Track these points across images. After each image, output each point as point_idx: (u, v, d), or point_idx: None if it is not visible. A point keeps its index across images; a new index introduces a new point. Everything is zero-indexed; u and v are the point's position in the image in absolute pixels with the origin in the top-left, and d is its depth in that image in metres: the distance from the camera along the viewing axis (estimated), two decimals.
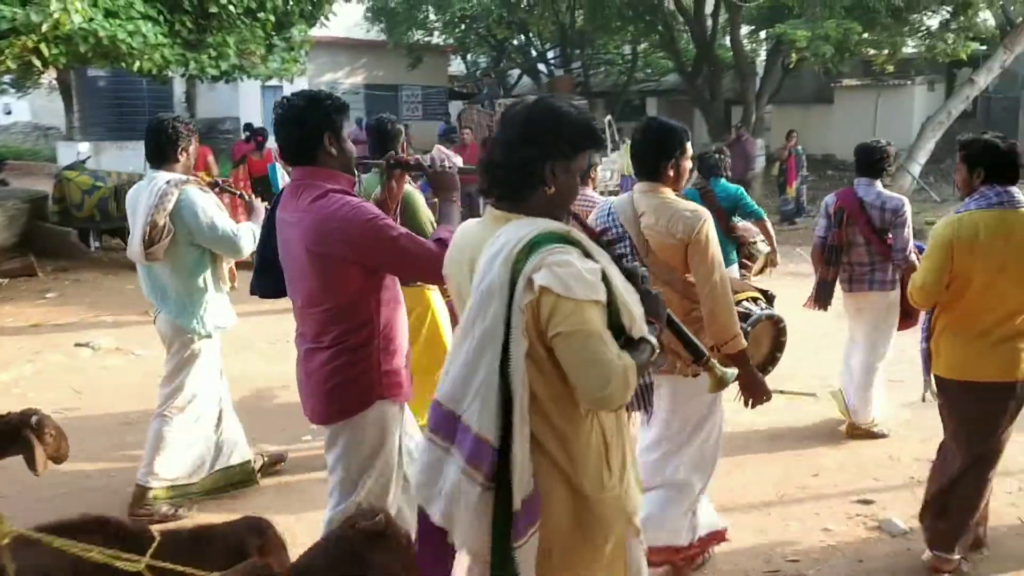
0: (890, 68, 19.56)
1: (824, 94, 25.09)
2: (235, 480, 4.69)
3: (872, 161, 5.28)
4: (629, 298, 2.15)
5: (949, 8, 16.45)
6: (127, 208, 4.42)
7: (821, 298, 5.45)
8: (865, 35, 15.99)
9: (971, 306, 3.63)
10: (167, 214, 4.17)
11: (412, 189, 4.67)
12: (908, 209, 5.23)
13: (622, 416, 2.29)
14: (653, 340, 2.16)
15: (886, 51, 17.43)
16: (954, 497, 3.79)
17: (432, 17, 19.16)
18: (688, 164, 3.47)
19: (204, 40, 10.17)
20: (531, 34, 23.55)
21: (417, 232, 3.15)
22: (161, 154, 4.30)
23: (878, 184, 5.30)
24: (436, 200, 3.18)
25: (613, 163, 17.08)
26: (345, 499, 3.01)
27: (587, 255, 2.08)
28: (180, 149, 4.31)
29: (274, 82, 13.00)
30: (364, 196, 3.28)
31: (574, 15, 20.91)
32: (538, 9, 18.80)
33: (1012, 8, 17.98)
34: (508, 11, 17.87)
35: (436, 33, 21.84)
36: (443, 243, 2.69)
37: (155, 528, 2.49)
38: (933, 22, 17.37)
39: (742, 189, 6.50)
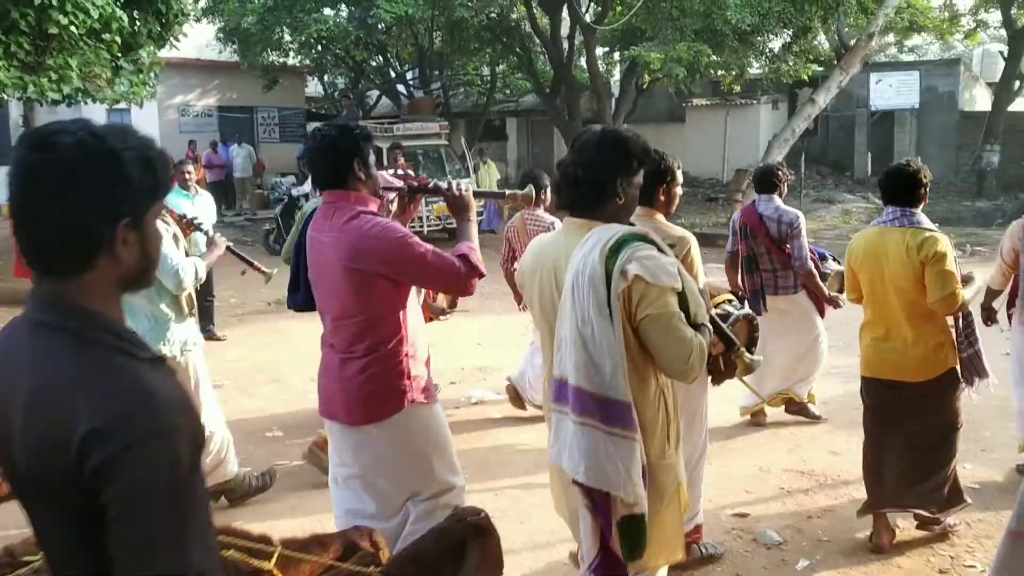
0: (737, 88, 20.45)
1: (676, 113, 25.98)
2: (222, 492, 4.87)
3: (768, 179, 5.87)
4: (695, 287, 2.59)
5: (790, 32, 17.31)
6: None
7: (753, 305, 5.70)
8: (714, 57, 16.64)
9: (869, 311, 4.23)
10: None
11: None
12: (803, 222, 5.77)
13: (678, 400, 2.70)
14: (710, 327, 2.63)
15: (734, 72, 18.21)
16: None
17: (287, 38, 18.73)
18: (679, 191, 3.72)
19: (43, 62, 9.58)
20: (389, 55, 23.42)
21: None
22: None
23: (776, 199, 5.82)
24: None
25: (471, 183, 17.13)
26: (384, 499, 3.25)
27: (662, 251, 2.53)
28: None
29: (122, 105, 12.36)
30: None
31: (432, 37, 20.91)
32: (395, 30, 18.69)
33: (846, 32, 19.12)
34: (366, 33, 17.67)
35: (292, 54, 21.42)
36: (465, 258, 3.15)
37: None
38: (776, 45, 18.27)
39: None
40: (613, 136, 2.66)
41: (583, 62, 19.63)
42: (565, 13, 18.86)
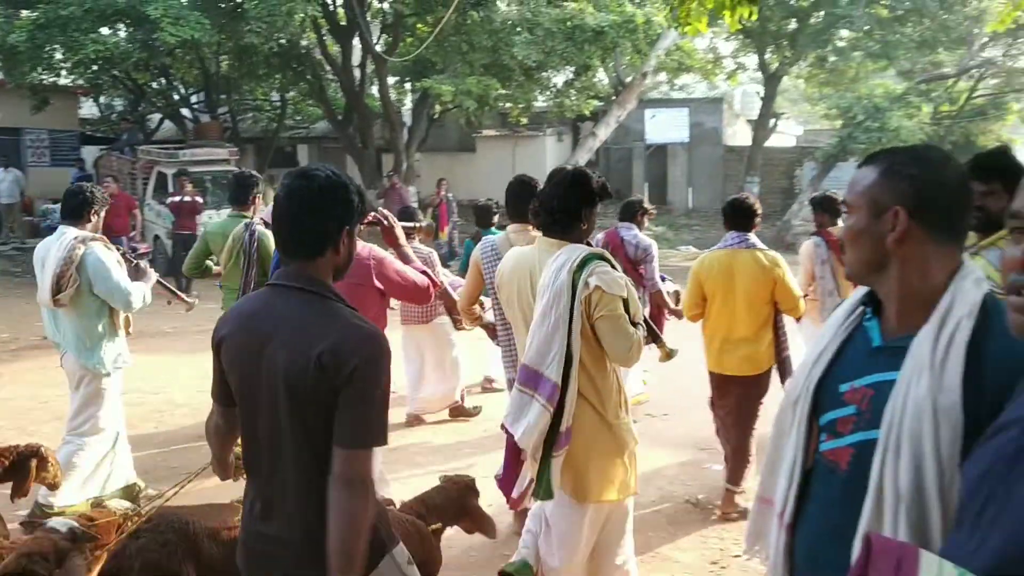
0: (524, 120, 21.29)
1: (467, 143, 26.63)
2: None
3: (632, 211, 6.84)
4: (635, 295, 3.36)
5: (572, 69, 18.29)
6: (35, 259, 5.08)
7: None
8: (502, 91, 17.30)
9: (716, 319, 5.04)
10: (74, 266, 4.77)
11: (267, 231, 5.45)
12: (655, 249, 6.71)
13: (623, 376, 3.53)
14: (643, 326, 3.43)
15: (521, 105, 18.97)
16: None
17: (59, 56, 17.63)
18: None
19: None
20: (173, 78, 22.56)
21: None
22: (76, 213, 4.95)
23: (635, 228, 6.74)
24: None
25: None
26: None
27: (614, 267, 3.31)
28: (93, 211, 4.97)
29: None
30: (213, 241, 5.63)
31: (219, 61, 20.37)
32: (180, 53, 18.07)
33: (623, 70, 20.41)
34: (148, 55, 16.97)
35: (64, 73, 20.20)
36: (427, 275, 4.02)
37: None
38: (559, 81, 19.21)
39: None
40: (581, 175, 3.44)
41: (375, 90, 19.78)
42: (357, 41, 18.99)
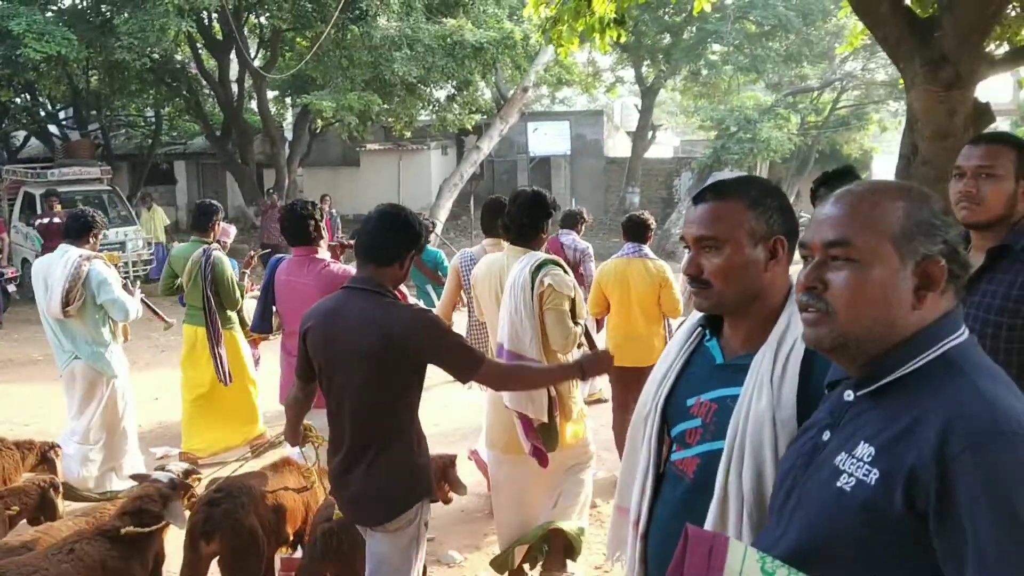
0: (408, 134, 21.28)
1: (351, 157, 26.43)
2: None
3: (573, 220, 7.64)
4: (581, 297, 4.04)
5: (453, 84, 18.40)
6: (34, 275, 5.80)
7: None
8: (384, 106, 17.25)
9: (615, 318, 5.85)
10: (80, 281, 5.49)
11: (222, 255, 6.32)
12: (591, 251, 7.57)
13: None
14: (584, 325, 4.16)
15: (403, 120, 18.97)
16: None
17: None
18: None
19: None
20: (39, 94, 21.60)
21: (227, 287, 6.18)
22: (78, 234, 5.66)
23: (574, 234, 7.53)
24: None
25: (138, 230, 16.33)
26: None
27: (565, 272, 4.00)
28: (93, 233, 5.71)
29: None
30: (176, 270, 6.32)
31: (88, 77, 19.62)
32: (46, 68, 17.32)
33: (504, 84, 20.65)
34: (12, 71, 16.21)
35: None
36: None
37: None
38: (442, 95, 19.29)
39: (440, 252, 8.16)
40: (540, 196, 4.15)
41: (254, 105, 19.43)
42: (234, 56, 18.63)
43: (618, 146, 29.17)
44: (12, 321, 12.94)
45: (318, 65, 17.00)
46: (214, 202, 6.67)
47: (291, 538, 3.98)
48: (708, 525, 1.78)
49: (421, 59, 16.20)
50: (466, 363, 3.02)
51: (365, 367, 2.93)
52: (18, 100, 21.88)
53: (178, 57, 19.00)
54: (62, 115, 23.40)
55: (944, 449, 1.26)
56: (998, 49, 5.47)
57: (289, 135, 21.02)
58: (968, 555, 1.22)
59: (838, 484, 1.37)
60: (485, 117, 20.77)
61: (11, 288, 14.96)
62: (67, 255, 5.54)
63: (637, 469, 2.04)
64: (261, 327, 5.23)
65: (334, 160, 26.72)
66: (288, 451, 4.34)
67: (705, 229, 1.86)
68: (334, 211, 17.37)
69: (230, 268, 6.29)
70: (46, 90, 20.12)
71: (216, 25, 18.65)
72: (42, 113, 22.42)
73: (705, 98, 26.77)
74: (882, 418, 1.38)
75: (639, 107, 26.54)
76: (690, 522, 1.42)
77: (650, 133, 26.59)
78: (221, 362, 6.22)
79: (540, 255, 4.03)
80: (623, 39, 6.36)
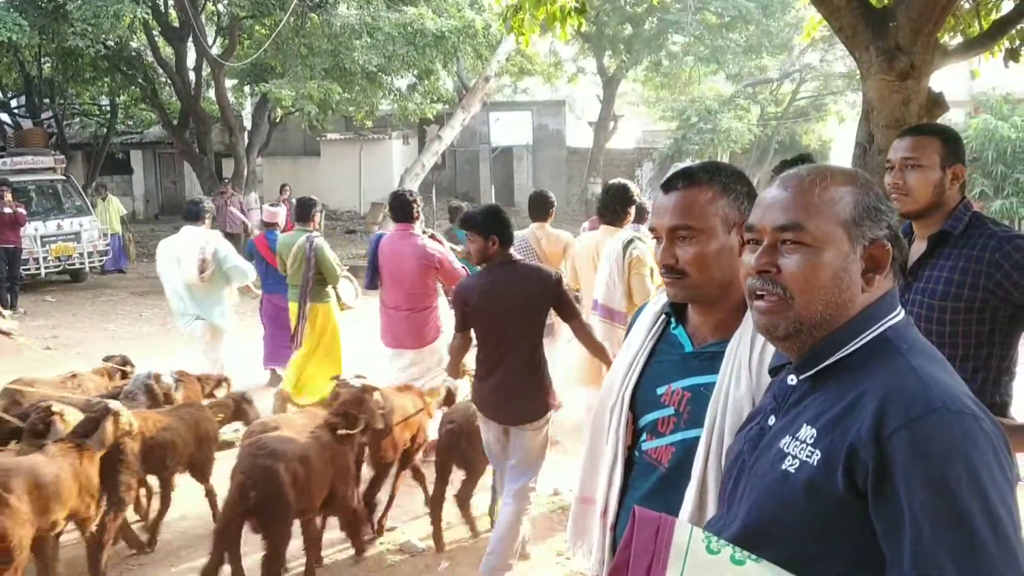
0: (369, 124, 21.12)
1: (311, 147, 26.23)
2: None
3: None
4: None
5: (414, 73, 18.28)
6: (162, 252, 7.31)
7: None
8: (345, 95, 17.09)
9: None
10: (210, 253, 7.08)
11: (323, 241, 7.43)
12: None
13: None
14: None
15: (364, 109, 18.80)
16: None
17: None
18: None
19: None
20: None
21: (329, 266, 7.21)
22: (194, 217, 7.25)
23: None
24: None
25: (93, 221, 16.05)
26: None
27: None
28: (207, 215, 7.42)
29: None
30: (282, 257, 7.40)
31: (40, 64, 19.21)
32: None
33: (466, 74, 20.57)
34: None
35: None
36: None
37: None
38: (403, 85, 19.15)
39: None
40: (626, 188, 5.66)
41: (212, 94, 19.13)
42: (191, 44, 18.34)
43: (580, 136, 29.22)
44: None
45: (277, 53, 16.79)
46: (313, 197, 7.94)
47: (412, 443, 5.17)
48: (685, 511, 1.78)
49: (382, 47, 16.06)
50: (573, 313, 4.35)
51: (518, 314, 4.21)
52: None
53: (134, 44, 18.66)
54: (14, 103, 22.93)
55: (880, 427, 1.28)
56: (952, 40, 5.55)
57: (248, 124, 20.75)
58: (905, 530, 1.25)
59: (783, 467, 1.39)
60: (447, 107, 20.67)
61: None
62: (191, 234, 7.11)
63: (602, 460, 2.02)
64: (372, 285, 6.48)
65: (295, 150, 26.50)
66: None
67: (679, 218, 1.84)
68: (293, 201, 17.18)
69: (330, 251, 7.37)
70: None
71: (172, 12, 18.35)
72: None
73: (666, 89, 26.91)
74: (823, 400, 1.40)
75: (600, 97, 26.59)
76: (662, 510, 1.43)
77: (612, 123, 26.65)
78: (299, 331, 7.30)
79: (628, 233, 5.37)
80: (583, 28, 6.36)
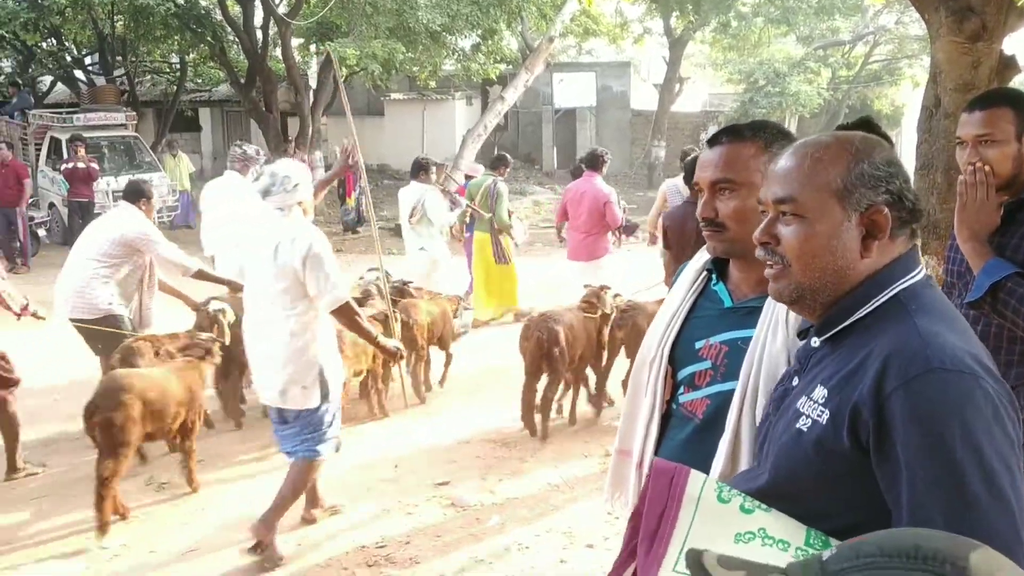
0: (432, 84, 21.13)
1: (375, 106, 26.34)
2: None
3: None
4: None
5: (478, 33, 18.20)
6: (404, 199, 8.97)
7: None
8: (408, 54, 17.11)
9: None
10: (421, 204, 8.73)
11: (503, 186, 9.57)
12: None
13: None
14: None
15: (428, 69, 18.81)
16: None
17: None
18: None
19: None
20: (65, 39, 21.62)
21: (502, 207, 9.45)
22: (425, 171, 8.81)
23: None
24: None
25: (163, 177, 16.41)
26: None
27: None
28: (432, 172, 9.01)
29: None
30: (473, 195, 9.64)
31: (114, 22, 19.56)
32: (71, 13, 17.30)
33: (530, 34, 20.42)
34: (37, 15, 16.21)
35: None
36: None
37: None
38: (466, 45, 19.09)
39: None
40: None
41: (279, 53, 19.31)
42: (258, 3, 18.51)
43: (644, 99, 28.83)
44: (39, 265, 13.09)
45: (342, 12, 16.85)
46: (505, 154, 10.16)
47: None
48: (718, 462, 1.82)
49: (446, 7, 16.01)
50: None
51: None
52: (44, 45, 21.94)
53: (203, 2, 18.90)
54: (88, 61, 23.42)
55: (881, 386, 1.33)
56: None
57: (313, 83, 20.90)
58: (902, 486, 1.30)
59: (797, 426, 1.45)
60: (510, 67, 20.56)
61: (41, 232, 15.14)
62: (415, 187, 8.78)
63: (640, 412, 2.06)
64: (564, 218, 8.73)
65: (359, 109, 26.59)
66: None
67: (721, 172, 1.89)
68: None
69: (506, 195, 9.53)
70: (71, 35, 20.18)
71: None
72: (68, 58, 22.46)
73: (734, 51, 26.32)
74: (837, 361, 1.45)
75: (667, 59, 26.16)
76: (696, 461, 1.48)
77: (677, 86, 26.22)
78: (500, 249, 9.44)
79: None
80: None
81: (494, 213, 9.37)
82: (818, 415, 1.41)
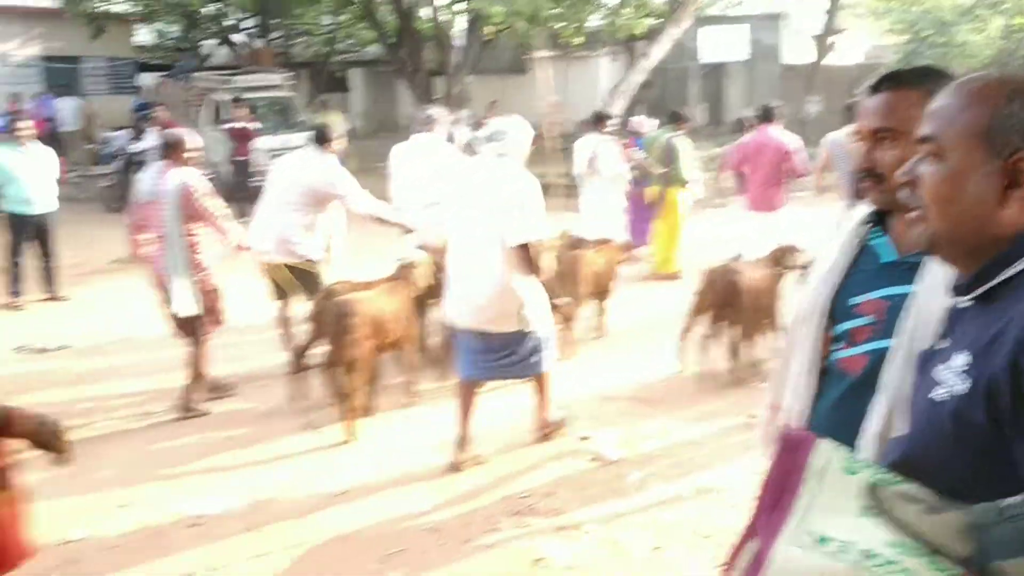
0: (576, 41, 20.93)
1: (519, 65, 26.34)
2: None
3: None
4: None
5: None
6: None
7: None
8: (555, 10, 16.99)
9: None
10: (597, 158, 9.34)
11: (678, 142, 9.56)
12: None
13: None
14: None
15: (574, 25, 18.63)
16: None
17: None
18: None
19: None
20: (225, 3, 22.57)
21: (677, 162, 9.53)
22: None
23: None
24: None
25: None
26: None
27: None
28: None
29: None
30: (649, 148, 9.87)
31: None
32: None
33: None
34: None
35: (117, 0, 20.32)
36: None
37: None
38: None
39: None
40: None
41: (426, 13, 19.56)
42: None
43: (795, 52, 27.65)
44: None
45: None
46: (682, 110, 10.23)
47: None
48: (872, 420, 1.76)
49: None
50: None
51: None
52: (205, 10, 22.97)
53: None
54: (246, 24, 24.37)
55: (1019, 355, 1.19)
56: None
57: (459, 42, 21.08)
58: None
59: (931, 395, 1.35)
60: (661, 20, 20.12)
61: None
62: (591, 140, 9.25)
63: (795, 368, 2.01)
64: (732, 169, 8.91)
65: (503, 68, 26.68)
66: None
67: (882, 120, 1.81)
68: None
69: (682, 150, 9.48)
70: None
71: None
72: (227, 23, 23.43)
73: None
74: (981, 325, 1.32)
75: (828, 9, 24.94)
76: (851, 416, 1.41)
77: (831, 39, 25.01)
78: (669, 205, 9.53)
79: None
80: None
81: (669, 169, 9.51)
82: (956, 384, 1.30)
